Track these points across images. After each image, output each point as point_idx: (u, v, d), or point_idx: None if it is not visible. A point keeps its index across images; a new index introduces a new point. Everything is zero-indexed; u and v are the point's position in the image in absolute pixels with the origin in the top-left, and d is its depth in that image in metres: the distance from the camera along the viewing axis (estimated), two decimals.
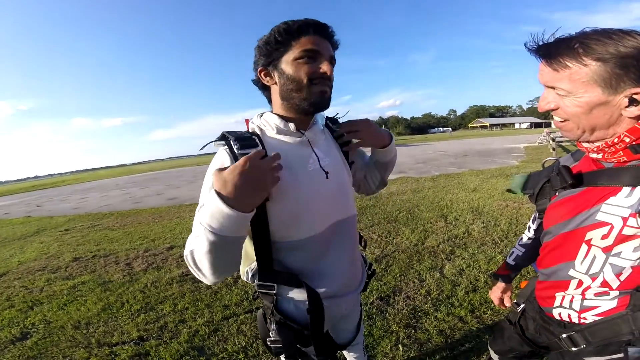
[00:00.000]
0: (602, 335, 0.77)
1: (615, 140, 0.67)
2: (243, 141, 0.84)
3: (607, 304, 0.76)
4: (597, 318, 0.78)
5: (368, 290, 2.67)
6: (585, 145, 0.75)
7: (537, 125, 79.62)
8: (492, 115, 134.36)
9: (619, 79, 0.61)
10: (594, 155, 0.73)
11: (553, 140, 11.49)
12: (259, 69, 0.90)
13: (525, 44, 0.71)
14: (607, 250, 0.71)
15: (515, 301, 1.14)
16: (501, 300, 1.27)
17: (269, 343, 0.93)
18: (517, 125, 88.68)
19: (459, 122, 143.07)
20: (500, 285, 1.25)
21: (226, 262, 0.76)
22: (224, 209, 0.68)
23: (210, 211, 0.70)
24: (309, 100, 0.86)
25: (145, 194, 12.64)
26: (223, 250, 0.73)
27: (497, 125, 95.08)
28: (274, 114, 0.92)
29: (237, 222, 0.70)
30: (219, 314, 2.70)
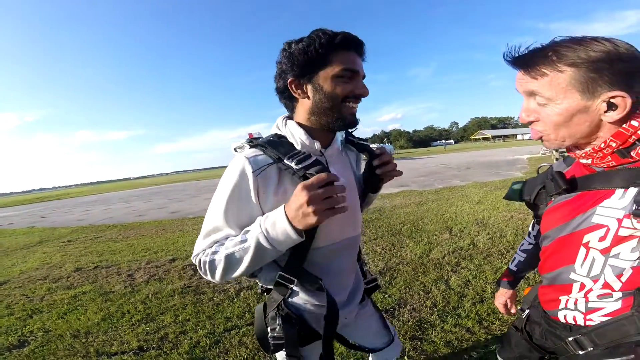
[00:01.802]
0: (610, 337, 0.76)
1: (602, 145, 0.68)
2: (298, 157, 0.79)
3: (612, 305, 0.75)
4: (603, 319, 0.77)
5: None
6: (574, 151, 0.76)
7: None
8: (494, 127, 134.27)
9: (595, 82, 0.62)
10: (584, 161, 0.74)
11: (556, 150, 11.46)
12: (289, 80, 0.83)
13: (503, 55, 0.72)
14: (605, 252, 0.71)
15: (520, 307, 1.13)
16: (506, 306, 1.26)
17: (270, 339, 0.91)
18: (519, 136, 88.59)
19: (461, 135, 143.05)
20: (504, 291, 1.25)
21: (257, 265, 0.80)
22: (288, 229, 0.73)
23: (273, 220, 0.75)
24: (340, 119, 0.84)
25: (149, 207, 12.69)
26: (263, 254, 0.77)
27: (500, 136, 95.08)
28: (299, 125, 0.87)
29: (291, 243, 0.76)
30: (220, 325, 2.66)
